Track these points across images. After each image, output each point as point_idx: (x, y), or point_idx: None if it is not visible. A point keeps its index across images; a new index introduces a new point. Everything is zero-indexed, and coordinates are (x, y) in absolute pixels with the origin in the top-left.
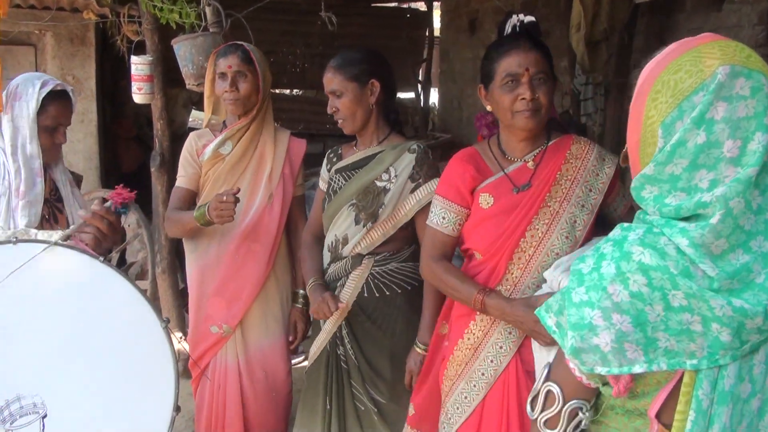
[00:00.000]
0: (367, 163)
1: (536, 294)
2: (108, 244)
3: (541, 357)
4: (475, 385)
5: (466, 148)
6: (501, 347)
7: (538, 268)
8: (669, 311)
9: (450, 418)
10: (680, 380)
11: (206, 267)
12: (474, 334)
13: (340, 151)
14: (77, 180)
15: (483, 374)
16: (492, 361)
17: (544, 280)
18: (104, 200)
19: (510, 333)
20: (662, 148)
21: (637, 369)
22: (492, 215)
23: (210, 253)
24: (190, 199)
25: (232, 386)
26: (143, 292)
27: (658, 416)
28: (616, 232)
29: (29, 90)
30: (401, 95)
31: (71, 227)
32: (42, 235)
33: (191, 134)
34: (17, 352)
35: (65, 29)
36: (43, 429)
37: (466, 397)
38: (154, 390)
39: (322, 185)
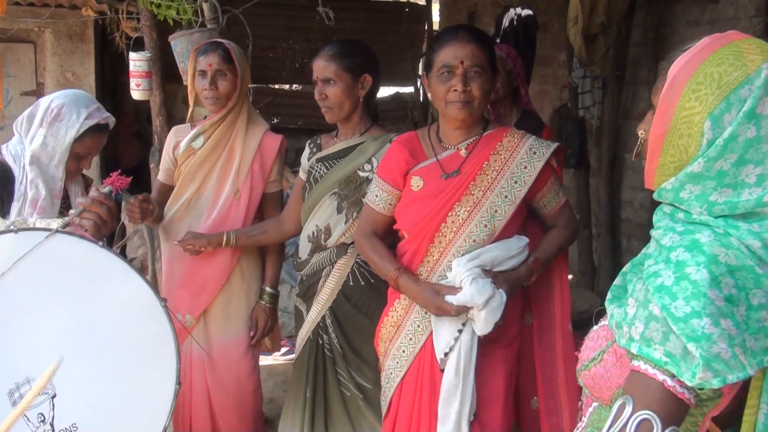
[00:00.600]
0: (349, 153)
1: (444, 284)
2: (106, 231)
3: (439, 327)
4: (397, 363)
5: (408, 132)
6: (418, 326)
7: (455, 253)
8: (750, 311)
9: (384, 392)
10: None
11: (174, 258)
12: (397, 312)
13: (319, 141)
14: (87, 183)
15: (404, 351)
16: (411, 339)
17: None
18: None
19: (426, 313)
20: (712, 142)
21: (750, 371)
22: (420, 198)
23: (177, 246)
24: (166, 193)
25: (197, 377)
26: (141, 273)
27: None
28: (673, 238)
29: (73, 116)
30: (401, 89)
31: (71, 213)
32: (40, 223)
33: (172, 130)
34: (25, 337)
35: (64, 26)
36: (53, 409)
37: (391, 374)
38: (157, 366)
39: (302, 174)
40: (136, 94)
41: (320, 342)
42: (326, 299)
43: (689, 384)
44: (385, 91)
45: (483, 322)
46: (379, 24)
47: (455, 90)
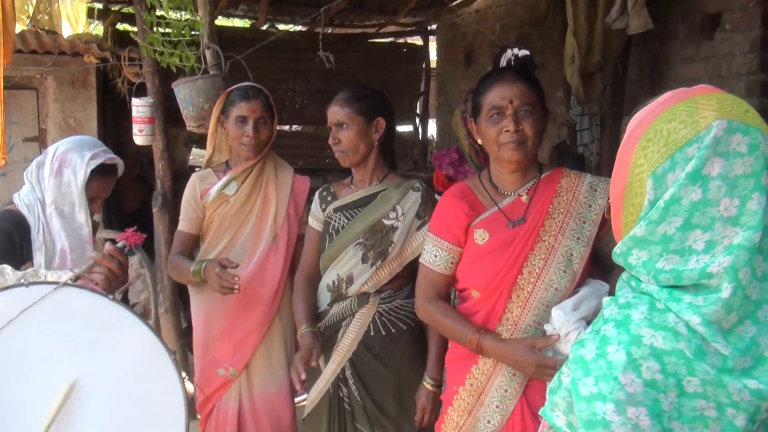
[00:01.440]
0: (371, 201)
1: (539, 337)
2: (117, 285)
3: None
4: None
5: (457, 183)
6: (506, 391)
7: (537, 305)
8: (682, 398)
9: None
10: None
11: (212, 310)
12: (477, 379)
13: (332, 190)
14: (94, 226)
15: (489, 422)
16: (497, 407)
17: (545, 320)
18: (114, 241)
19: (514, 375)
20: (654, 203)
21: None
22: (488, 252)
23: (215, 297)
24: (192, 243)
25: (240, 427)
26: (152, 327)
27: None
28: (612, 310)
29: (77, 160)
30: (400, 128)
31: (82, 267)
32: (52, 276)
33: (193, 176)
34: (33, 391)
35: (66, 73)
36: None
37: None
38: (165, 422)
39: (316, 225)
40: (139, 139)
41: (340, 395)
42: (346, 350)
43: None
44: None
45: None
46: (378, 65)
47: (507, 131)
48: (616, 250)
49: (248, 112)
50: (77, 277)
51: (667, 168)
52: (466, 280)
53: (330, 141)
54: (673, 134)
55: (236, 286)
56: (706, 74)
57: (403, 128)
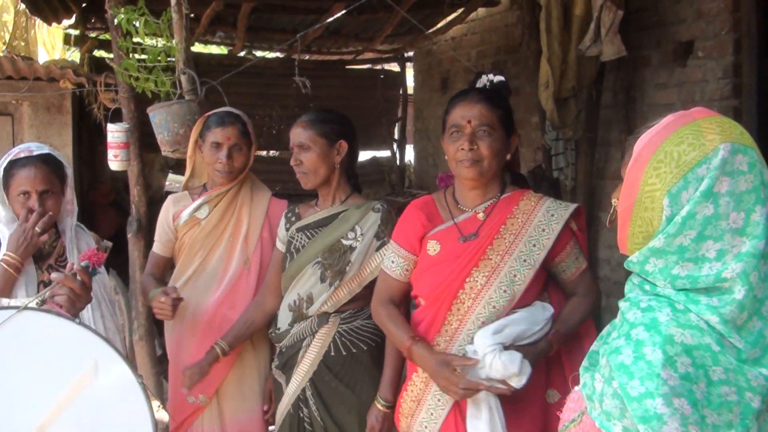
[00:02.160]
0: (331, 222)
1: (456, 356)
2: (81, 306)
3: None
4: None
5: (423, 196)
6: (438, 400)
7: (474, 320)
8: (710, 386)
9: None
10: None
11: (182, 335)
12: (416, 386)
13: (297, 211)
14: (104, 247)
15: (426, 428)
16: (432, 415)
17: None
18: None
19: None
20: (671, 219)
21: None
22: (437, 262)
23: (186, 321)
24: (164, 266)
25: None
26: (118, 350)
27: None
28: (635, 314)
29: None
30: (378, 153)
31: (44, 291)
32: (16, 301)
33: (168, 199)
34: None
35: (42, 98)
36: None
37: None
38: None
39: (280, 246)
40: (114, 165)
41: (300, 416)
42: (306, 370)
43: None
44: (362, 156)
45: (518, 385)
46: (355, 90)
47: (462, 149)
48: (633, 258)
49: (223, 139)
50: (42, 302)
51: (681, 187)
52: (416, 287)
53: (292, 162)
54: (683, 156)
55: (168, 311)
56: (680, 100)
57: (381, 153)
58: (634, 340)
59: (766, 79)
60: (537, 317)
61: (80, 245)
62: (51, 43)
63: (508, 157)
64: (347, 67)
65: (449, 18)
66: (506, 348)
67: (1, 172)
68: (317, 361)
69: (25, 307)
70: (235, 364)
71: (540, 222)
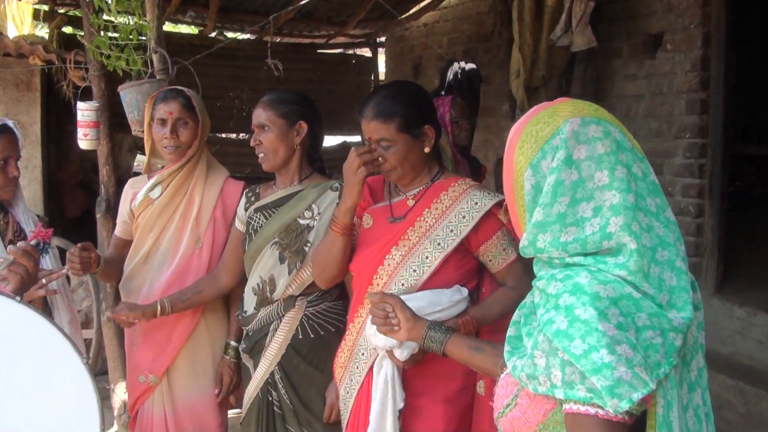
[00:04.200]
0: (288, 201)
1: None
2: (29, 285)
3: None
4: (348, 392)
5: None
6: (359, 366)
7: None
8: (638, 332)
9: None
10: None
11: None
12: (348, 340)
13: (258, 191)
14: (42, 221)
15: (348, 393)
16: (352, 380)
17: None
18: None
19: (363, 354)
20: (537, 186)
21: (651, 386)
22: (365, 238)
23: (140, 300)
24: (124, 248)
25: None
26: (62, 330)
27: None
28: (556, 286)
29: None
30: (348, 138)
31: (1, 266)
32: None
33: (128, 182)
34: None
35: (11, 75)
36: None
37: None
38: (78, 428)
39: (240, 225)
40: (84, 143)
41: (269, 399)
42: (275, 354)
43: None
44: (332, 140)
45: (400, 357)
46: (327, 75)
47: (380, 162)
48: (524, 242)
49: (166, 114)
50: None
51: (540, 157)
52: (352, 260)
53: (252, 143)
54: (540, 132)
55: (76, 264)
56: (648, 91)
57: (352, 138)
58: (563, 307)
59: (734, 72)
60: (441, 298)
61: (33, 218)
62: (20, 17)
63: (427, 149)
64: (319, 51)
65: (422, 4)
66: None
67: None
68: (285, 344)
69: None
70: (187, 345)
71: (462, 209)
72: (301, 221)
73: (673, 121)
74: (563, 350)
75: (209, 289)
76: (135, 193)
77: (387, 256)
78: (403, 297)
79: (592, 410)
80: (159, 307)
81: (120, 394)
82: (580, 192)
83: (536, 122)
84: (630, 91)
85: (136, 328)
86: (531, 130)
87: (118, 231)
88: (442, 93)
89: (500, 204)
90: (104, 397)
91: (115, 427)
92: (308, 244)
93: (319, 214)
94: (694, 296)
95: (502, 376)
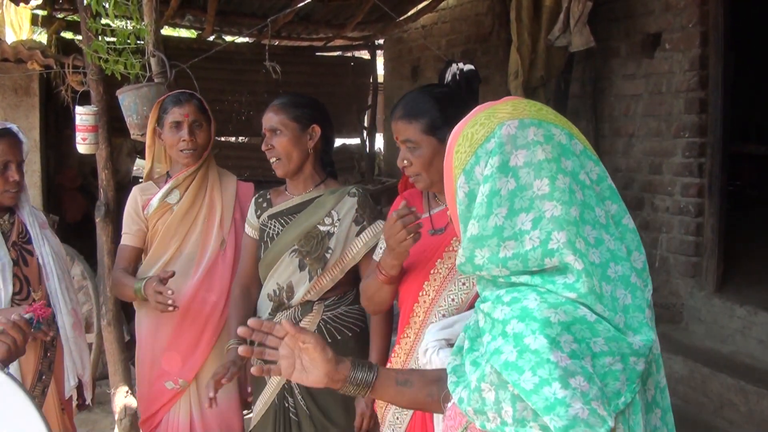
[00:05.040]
0: (305, 208)
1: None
2: (16, 356)
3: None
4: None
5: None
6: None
7: (436, 313)
8: (595, 359)
9: None
10: None
11: (159, 321)
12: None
13: (269, 197)
14: (51, 222)
15: (398, 418)
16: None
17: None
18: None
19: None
20: (470, 195)
21: (610, 423)
22: (410, 254)
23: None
24: (136, 257)
25: None
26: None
27: None
28: (503, 310)
29: None
30: (347, 141)
31: None
32: None
33: (134, 189)
34: None
35: (9, 80)
36: None
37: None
38: None
39: (252, 232)
40: (82, 148)
41: (285, 405)
42: None
43: None
44: None
45: None
46: (325, 77)
47: (404, 166)
48: (460, 259)
49: (182, 117)
50: None
51: (474, 163)
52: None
53: (263, 147)
54: (475, 135)
55: (171, 303)
56: (647, 91)
57: (351, 141)
58: (511, 335)
59: (732, 71)
60: None
61: (38, 221)
62: (18, 23)
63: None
64: (317, 53)
65: (420, 6)
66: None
67: None
68: None
69: None
70: (215, 348)
71: None
72: (322, 228)
73: (671, 121)
74: (513, 384)
75: (251, 310)
76: (147, 200)
77: (432, 271)
78: (453, 318)
79: None
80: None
81: (121, 398)
82: (518, 202)
83: (473, 124)
84: (629, 91)
85: (161, 336)
86: (467, 133)
87: (130, 240)
88: None
89: None
90: (105, 402)
91: (116, 431)
92: (329, 251)
93: (339, 220)
94: (650, 314)
95: (448, 405)
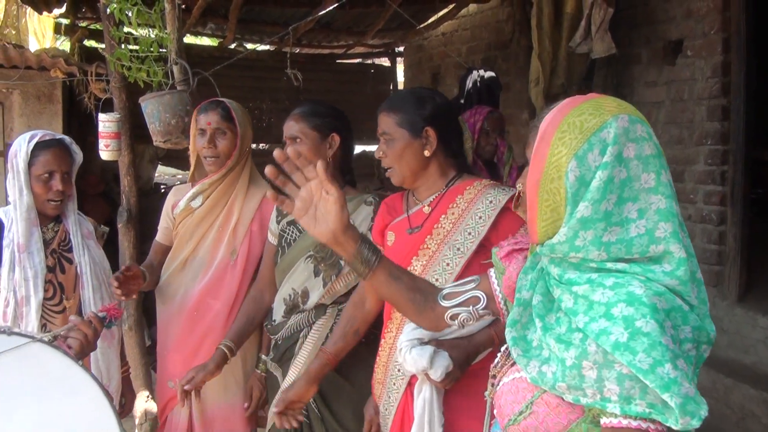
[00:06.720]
0: None
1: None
2: (89, 351)
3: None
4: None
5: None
6: (398, 370)
7: None
8: (679, 345)
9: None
10: None
11: (169, 322)
12: (381, 357)
13: None
14: (101, 233)
15: (386, 409)
16: (389, 397)
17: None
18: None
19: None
20: (582, 180)
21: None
22: (391, 254)
23: (173, 308)
24: (163, 253)
25: None
26: (113, 405)
27: None
28: (605, 293)
29: (21, 145)
30: (368, 148)
31: (62, 328)
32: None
33: (172, 188)
34: None
35: (33, 87)
36: None
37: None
38: None
39: (272, 239)
40: (105, 154)
41: None
42: (304, 362)
43: (675, 428)
44: None
45: (434, 377)
46: (346, 84)
47: (378, 154)
48: (561, 237)
49: (205, 125)
50: (55, 337)
51: (587, 149)
52: None
53: None
54: (585, 123)
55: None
56: (669, 98)
57: (371, 148)
58: (620, 318)
59: (755, 78)
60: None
61: (82, 230)
62: (41, 31)
63: (427, 153)
64: (338, 61)
65: (440, 13)
66: (433, 345)
67: (28, 155)
68: (315, 352)
69: (39, 340)
70: None
71: (478, 210)
72: None
73: (694, 128)
74: (627, 364)
75: (260, 314)
76: (177, 201)
77: (408, 269)
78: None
79: (644, 425)
80: (227, 353)
81: (141, 403)
82: (627, 191)
83: (579, 113)
84: (650, 98)
85: (169, 334)
86: (574, 121)
87: (160, 237)
88: (461, 101)
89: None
90: None
91: None
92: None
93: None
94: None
95: (506, 381)
